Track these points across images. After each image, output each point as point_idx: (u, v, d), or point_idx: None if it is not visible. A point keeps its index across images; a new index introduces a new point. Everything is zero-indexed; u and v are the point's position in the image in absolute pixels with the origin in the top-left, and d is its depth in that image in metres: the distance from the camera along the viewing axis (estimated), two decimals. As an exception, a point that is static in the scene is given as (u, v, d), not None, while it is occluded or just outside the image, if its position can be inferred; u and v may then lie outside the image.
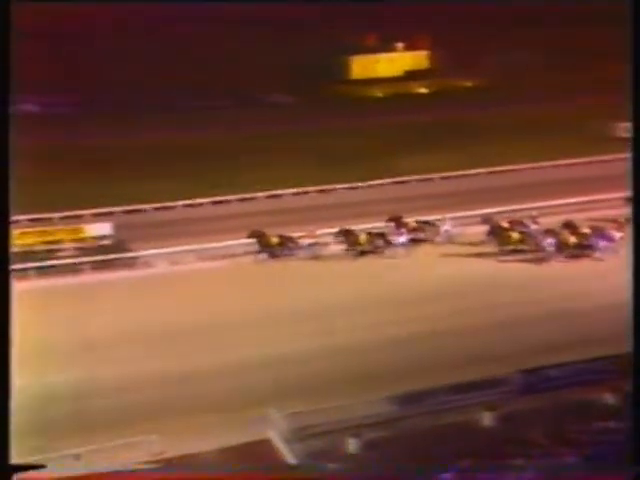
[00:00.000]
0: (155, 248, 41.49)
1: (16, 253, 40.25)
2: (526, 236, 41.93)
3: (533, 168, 57.24)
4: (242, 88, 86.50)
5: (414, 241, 42.98)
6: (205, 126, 70.99)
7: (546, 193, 48.40)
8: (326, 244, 42.33)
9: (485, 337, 31.20)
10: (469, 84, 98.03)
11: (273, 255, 41.87)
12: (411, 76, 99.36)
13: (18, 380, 28.83)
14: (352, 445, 24.70)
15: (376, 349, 30.64)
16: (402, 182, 54.92)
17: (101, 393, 27.88)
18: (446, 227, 44.05)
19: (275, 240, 41.94)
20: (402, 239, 42.35)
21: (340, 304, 34.82)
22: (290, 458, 24.48)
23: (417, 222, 44.11)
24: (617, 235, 40.32)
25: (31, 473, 22.03)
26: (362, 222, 44.21)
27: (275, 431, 25.28)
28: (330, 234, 42.69)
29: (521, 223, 43.50)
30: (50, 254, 40.97)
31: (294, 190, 52.69)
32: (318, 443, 24.74)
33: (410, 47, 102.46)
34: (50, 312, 34.79)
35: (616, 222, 41.29)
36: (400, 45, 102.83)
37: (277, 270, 40.56)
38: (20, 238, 41.29)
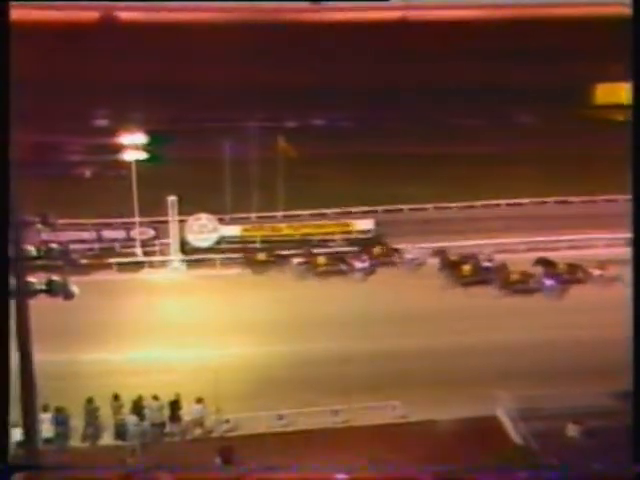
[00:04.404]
0: (409, 242, 41.07)
1: (297, 240, 42.13)
2: (475, 270, 37.18)
3: None
4: (494, 109, 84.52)
5: (375, 266, 38.42)
6: (459, 140, 69.99)
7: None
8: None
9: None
10: None
11: None
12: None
13: (296, 345, 29.76)
14: (572, 430, 23.35)
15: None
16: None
17: (356, 361, 28.12)
18: (411, 255, 39.29)
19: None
20: (362, 264, 38.13)
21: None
22: (514, 435, 23.56)
23: (383, 248, 39.54)
24: (595, 273, 35.85)
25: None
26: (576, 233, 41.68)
27: (503, 410, 24.43)
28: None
29: (474, 257, 38.10)
30: (323, 243, 41.85)
31: (535, 199, 50.51)
32: (541, 425, 23.58)
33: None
34: (311, 290, 35.54)
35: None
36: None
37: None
38: (300, 229, 43.14)
